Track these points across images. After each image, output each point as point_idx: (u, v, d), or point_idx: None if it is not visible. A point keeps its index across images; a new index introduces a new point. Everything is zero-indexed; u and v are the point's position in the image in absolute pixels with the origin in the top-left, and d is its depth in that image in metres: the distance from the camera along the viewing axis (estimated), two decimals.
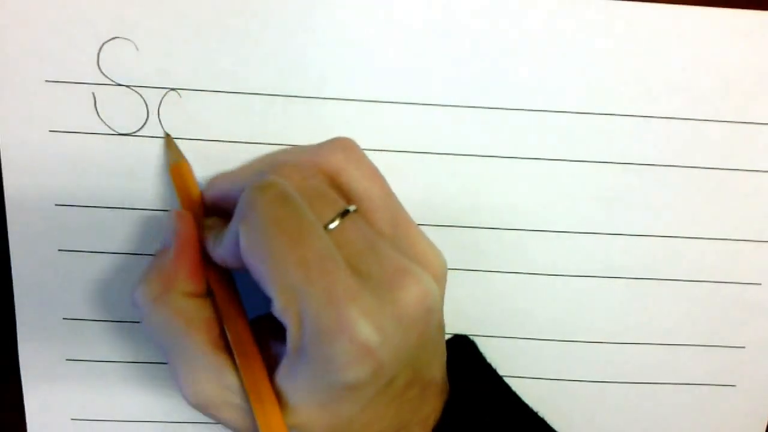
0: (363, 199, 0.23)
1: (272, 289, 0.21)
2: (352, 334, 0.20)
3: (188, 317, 0.24)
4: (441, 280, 0.24)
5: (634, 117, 0.29)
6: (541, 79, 0.28)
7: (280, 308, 0.21)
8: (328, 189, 0.23)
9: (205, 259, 0.25)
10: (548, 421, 0.28)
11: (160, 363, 0.31)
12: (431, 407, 0.25)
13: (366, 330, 0.20)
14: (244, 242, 0.21)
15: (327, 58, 0.27)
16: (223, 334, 0.24)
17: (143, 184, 0.28)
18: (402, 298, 0.21)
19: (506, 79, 0.28)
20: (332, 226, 0.22)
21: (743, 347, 0.32)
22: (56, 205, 0.28)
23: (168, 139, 0.28)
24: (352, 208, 0.22)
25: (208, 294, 0.25)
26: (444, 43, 0.27)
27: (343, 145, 0.24)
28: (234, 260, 0.22)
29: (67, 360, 0.31)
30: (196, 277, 0.24)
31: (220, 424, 0.32)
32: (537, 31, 0.27)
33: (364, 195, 0.23)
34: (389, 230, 0.23)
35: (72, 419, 0.31)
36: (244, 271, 0.22)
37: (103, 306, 0.30)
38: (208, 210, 0.26)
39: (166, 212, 0.29)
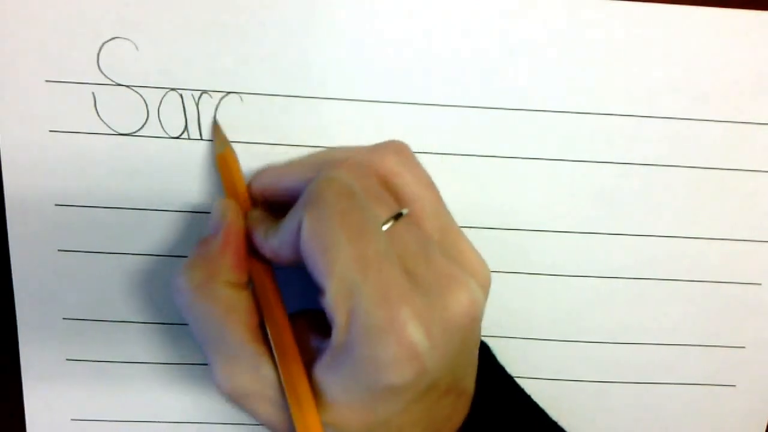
0: (415, 203, 0.23)
1: (328, 281, 0.21)
2: (401, 335, 0.20)
3: (229, 307, 0.23)
4: (486, 290, 0.23)
5: (634, 117, 0.29)
6: (541, 79, 0.28)
7: (331, 300, 0.20)
8: (382, 190, 0.23)
9: (249, 251, 0.24)
10: None
11: (160, 363, 0.31)
12: (462, 416, 0.24)
13: (416, 333, 0.20)
14: (307, 231, 0.21)
15: (327, 58, 0.27)
16: (262, 327, 0.24)
17: (143, 184, 0.28)
18: (451, 305, 0.21)
19: (506, 79, 0.28)
20: (386, 227, 0.22)
21: (743, 347, 0.32)
22: (56, 205, 0.28)
23: (215, 127, 0.27)
24: (405, 211, 0.23)
25: (249, 285, 0.25)
26: (444, 43, 0.27)
27: (397, 148, 0.24)
28: (288, 251, 0.22)
29: (67, 360, 0.31)
30: (240, 268, 0.24)
31: (224, 425, 0.32)
32: (537, 31, 0.27)
33: (416, 199, 0.23)
34: (438, 236, 0.23)
35: (72, 419, 0.31)
36: (290, 266, 0.22)
37: (103, 306, 0.30)
38: (252, 202, 0.26)
39: (164, 212, 0.29)
